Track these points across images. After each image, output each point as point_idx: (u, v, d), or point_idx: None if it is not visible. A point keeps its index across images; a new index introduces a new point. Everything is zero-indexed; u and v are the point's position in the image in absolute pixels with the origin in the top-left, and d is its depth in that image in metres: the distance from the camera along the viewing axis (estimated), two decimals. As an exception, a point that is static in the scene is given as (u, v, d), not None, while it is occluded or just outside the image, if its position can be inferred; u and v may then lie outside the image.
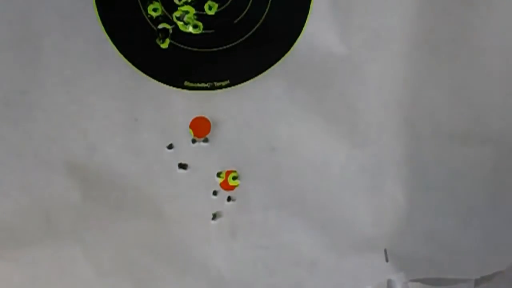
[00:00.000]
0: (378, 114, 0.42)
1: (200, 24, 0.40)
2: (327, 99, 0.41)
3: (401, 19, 0.41)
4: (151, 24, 0.40)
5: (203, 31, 0.40)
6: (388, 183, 0.42)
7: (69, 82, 0.40)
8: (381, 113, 0.42)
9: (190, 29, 0.40)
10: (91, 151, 0.40)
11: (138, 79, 0.40)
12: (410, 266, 0.43)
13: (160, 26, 0.40)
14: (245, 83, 0.41)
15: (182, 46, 0.40)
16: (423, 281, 0.43)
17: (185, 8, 0.40)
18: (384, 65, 0.41)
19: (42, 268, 0.41)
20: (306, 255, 0.43)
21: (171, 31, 0.40)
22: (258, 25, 0.40)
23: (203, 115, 0.41)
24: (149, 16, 0.40)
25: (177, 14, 0.40)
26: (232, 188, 0.42)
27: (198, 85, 0.41)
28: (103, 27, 0.39)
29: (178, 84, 0.41)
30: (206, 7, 0.40)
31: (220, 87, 0.41)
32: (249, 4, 0.40)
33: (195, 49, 0.40)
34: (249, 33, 0.40)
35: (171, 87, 0.40)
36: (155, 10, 0.40)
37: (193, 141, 0.41)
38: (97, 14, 0.39)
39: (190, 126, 0.41)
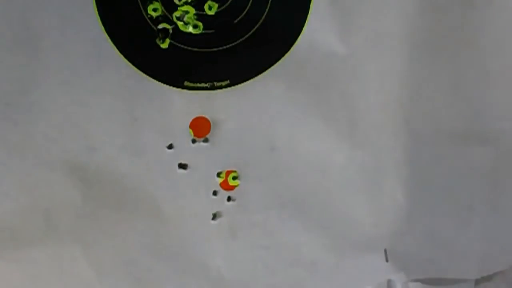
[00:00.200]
0: (378, 114, 0.42)
1: (200, 24, 0.40)
2: (327, 99, 0.41)
3: (401, 19, 0.41)
4: (151, 24, 0.40)
5: (203, 31, 0.40)
6: (388, 183, 0.42)
7: (69, 82, 0.40)
8: (381, 113, 0.42)
9: (190, 29, 0.40)
10: (91, 151, 0.40)
11: (138, 79, 0.40)
12: (410, 266, 0.43)
13: (160, 26, 0.40)
14: (245, 83, 0.41)
15: (182, 46, 0.40)
16: (423, 281, 0.43)
17: (185, 8, 0.40)
18: (384, 65, 0.41)
19: (42, 268, 0.41)
20: (306, 255, 0.43)
21: (171, 31, 0.40)
22: (258, 25, 0.40)
23: (203, 115, 0.41)
24: (149, 16, 0.40)
25: (177, 14, 0.40)
26: (232, 188, 0.42)
27: (198, 85, 0.41)
28: (103, 27, 0.39)
29: (178, 84, 0.41)
30: (206, 7, 0.40)
31: (220, 87, 0.41)
32: (249, 4, 0.40)
33: (195, 49, 0.40)
34: (249, 33, 0.40)
35: (171, 87, 0.41)
36: (155, 10, 0.40)
37: (193, 141, 0.41)
38: (97, 14, 0.39)
39: (190, 126, 0.41)
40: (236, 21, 0.40)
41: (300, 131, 0.41)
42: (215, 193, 0.42)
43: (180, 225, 0.42)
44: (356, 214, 0.42)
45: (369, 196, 0.42)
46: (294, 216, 0.42)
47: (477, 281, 0.44)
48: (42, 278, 0.41)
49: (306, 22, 0.40)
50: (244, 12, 0.40)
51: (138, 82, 0.40)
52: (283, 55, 0.41)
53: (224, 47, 0.40)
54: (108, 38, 0.40)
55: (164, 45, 0.40)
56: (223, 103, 0.41)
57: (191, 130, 0.41)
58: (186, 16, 0.40)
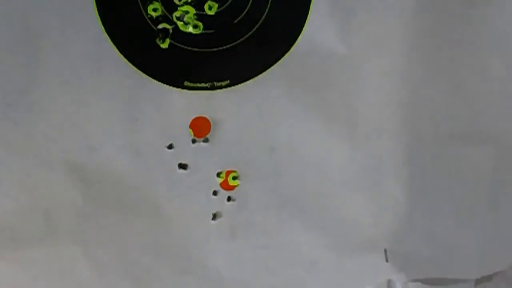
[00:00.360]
0: (378, 114, 0.42)
1: (200, 24, 0.40)
2: (327, 99, 0.41)
3: (401, 19, 0.41)
4: (151, 24, 0.40)
5: (203, 31, 0.40)
6: (388, 183, 0.42)
7: (69, 82, 0.40)
8: (381, 113, 0.42)
9: (190, 29, 0.40)
10: (91, 151, 0.40)
11: (138, 79, 0.40)
12: (410, 266, 0.43)
13: (160, 26, 0.40)
14: (245, 83, 0.41)
15: (182, 46, 0.40)
16: (423, 281, 0.43)
17: (185, 8, 0.40)
18: (384, 65, 0.41)
19: (42, 268, 0.41)
20: (306, 255, 0.43)
21: (171, 31, 0.40)
22: (258, 25, 0.40)
23: (203, 115, 0.41)
24: (149, 16, 0.40)
25: (177, 14, 0.40)
26: (232, 188, 0.42)
27: (198, 85, 0.41)
28: (103, 27, 0.39)
29: (178, 84, 0.41)
30: (206, 7, 0.40)
31: (220, 87, 0.41)
32: (249, 4, 0.40)
33: (195, 49, 0.40)
34: (249, 33, 0.40)
35: (171, 87, 0.40)
36: (155, 10, 0.40)
37: (193, 141, 0.41)
38: (97, 14, 0.39)
39: (190, 126, 0.41)
40: (236, 21, 0.40)
41: (300, 131, 0.41)
42: (215, 193, 0.42)
43: (180, 225, 0.42)
44: (356, 214, 0.42)
45: (369, 196, 0.42)
46: (294, 216, 0.42)
47: (477, 281, 0.44)
48: (42, 278, 0.41)
49: (306, 22, 0.40)
50: (244, 12, 0.40)
51: (138, 82, 0.40)
52: (283, 55, 0.41)
53: (224, 47, 0.40)
54: (108, 38, 0.40)
55: (164, 45, 0.40)
56: (223, 103, 0.41)
57: (191, 130, 0.41)
58: (186, 16, 0.40)
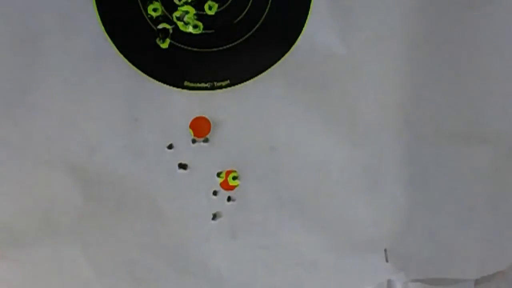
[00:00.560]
0: (378, 114, 0.42)
1: (200, 24, 0.40)
2: (327, 99, 0.41)
3: (401, 19, 0.41)
4: (151, 24, 0.40)
5: (203, 31, 0.40)
6: (388, 183, 0.42)
7: (69, 82, 0.40)
8: (381, 113, 0.42)
9: (190, 29, 0.40)
10: (91, 151, 0.40)
11: (138, 79, 0.40)
12: (410, 266, 0.43)
13: (160, 26, 0.40)
14: (245, 83, 0.41)
15: (182, 46, 0.40)
16: (423, 281, 0.43)
17: (185, 8, 0.40)
18: (384, 65, 0.41)
19: (42, 268, 0.41)
20: (306, 255, 0.43)
21: (171, 31, 0.40)
22: (258, 25, 0.40)
23: (203, 115, 0.41)
24: (149, 16, 0.40)
25: (177, 14, 0.40)
26: (232, 188, 0.42)
27: (198, 85, 0.41)
28: (103, 27, 0.39)
29: (178, 84, 0.41)
30: (206, 7, 0.40)
31: (220, 87, 0.41)
32: (249, 4, 0.40)
33: (195, 49, 0.40)
34: (249, 33, 0.40)
35: (171, 87, 0.41)
36: (155, 10, 0.40)
37: (193, 141, 0.41)
38: (97, 14, 0.39)
39: (190, 126, 0.41)
40: (236, 21, 0.40)
41: (300, 131, 0.41)
42: (215, 193, 0.42)
43: (180, 225, 0.42)
44: (356, 214, 0.42)
45: (369, 196, 0.42)
46: (294, 216, 0.42)
47: (477, 281, 0.44)
48: (42, 278, 0.41)
49: (306, 22, 0.40)
50: (244, 12, 0.40)
51: (138, 82, 0.40)
52: (283, 55, 0.41)
53: (224, 47, 0.40)
54: (108, 38, 0.40)
55: (164, 45, 0.40)
56: (223, 103, 0.41)
57: (191, 130, 0.41)
58: (186, 16, 0.40)
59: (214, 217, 0.42)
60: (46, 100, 0.40)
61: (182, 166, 0.41)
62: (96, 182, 0.41)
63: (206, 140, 0.41)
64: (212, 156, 0.41)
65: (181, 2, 0.40)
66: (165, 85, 0.40)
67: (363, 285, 0.43)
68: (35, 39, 0.39)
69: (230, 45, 0.40)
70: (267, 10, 0.40)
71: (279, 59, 0.41)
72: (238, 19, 0.40)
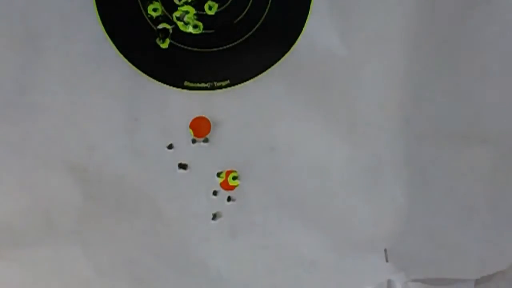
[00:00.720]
0: (378, 114, 0.42)
1: (200, 24, 0.40)
2: (327, 99, 0.41)
3: (401, 19, 0.41)
4: (151, 24, 0.40)
5: (203, 31, 0.40)
6: (388, 183, 0.42)
7: (69, 82, 0.40)
8: (381, 113, 0.42)
9: (190, 29, 0.40)
10: (91, 151, 0.40)
11: (138, 79, 0.40)
12: (410, 266, 0.43)
13: (160, 26, 0.40)
14: (245, 83, 0.41)
15: (182, 46, 0.40)
16: (423, 281, 0.43)
17: (185, 8, 0.40)
18: (384, 65, 0.41)
19: (42, 268, 0.41)
20: (306, 255, 0.43)
21: (171, 31, 0.40)
22: (258, 25, 0.40)
23: (203, 115, 0.41)
24: (149, 16, 0.40)
25: (177, 14, 0.40)
26: (232, 188, 0.42)
27: (198, 85, 0.41)
28: (103, 27, 0.39)
29: (178, 84, 0.41)
30: (206, 7, 0.40)
31: (220, 87, 0.41)
32: (249, 4, 0.40)
33: (195, 49, 0.40)
34: (249, 33, 0.40)
35: (171, 87, 0.41)
36: (155, 10, 0.40)
37: (193, 141, 0.41)
38: (97, 14, 0.39)
39: (190, 126, 0.41)
40: (236, 21, 0.40)
41: (300, 131, 0.41)
42: (215, 193, 0.42)
43: (180, 225, 0.42)
44: (356, 214, 0.42)
45: (369, 196, 0.42)
46: (294, 216, 0.42)
47: (477, 281, 0.44)
48: (42, 278, 0.41)
49: (306, 22, 0.40)
50: (244, 12, 0.40)
51: (138, 82, 0.40)
52: (283, 55, 0.41)
53: (224, 47, 0.40)
54: (108, 38, 0.40)
55: (164, 45, 0.40)
56: (223, 103, 0.41)
57: (191, 130, 0.41)
58: (186, 16, 0.40)
59: (214, 217, 0.42)
60: (45, 100, 0.40)
61: (182, 166, 0.41)
62: (96, 182, 0.41)
63: (206, 140, 0.41)
64: (212, 156, 0.41)
65: (181, 2, 0.40)
66: (165, 85, 0.40)
67: (363, 285, 0.43)
68: (35, 39, 0.39)
69: (230, 45, 0.40)
70: (267, 10, 0.40)
71: (279, 59, 0.41)
72: (238, 19, 0.40)
